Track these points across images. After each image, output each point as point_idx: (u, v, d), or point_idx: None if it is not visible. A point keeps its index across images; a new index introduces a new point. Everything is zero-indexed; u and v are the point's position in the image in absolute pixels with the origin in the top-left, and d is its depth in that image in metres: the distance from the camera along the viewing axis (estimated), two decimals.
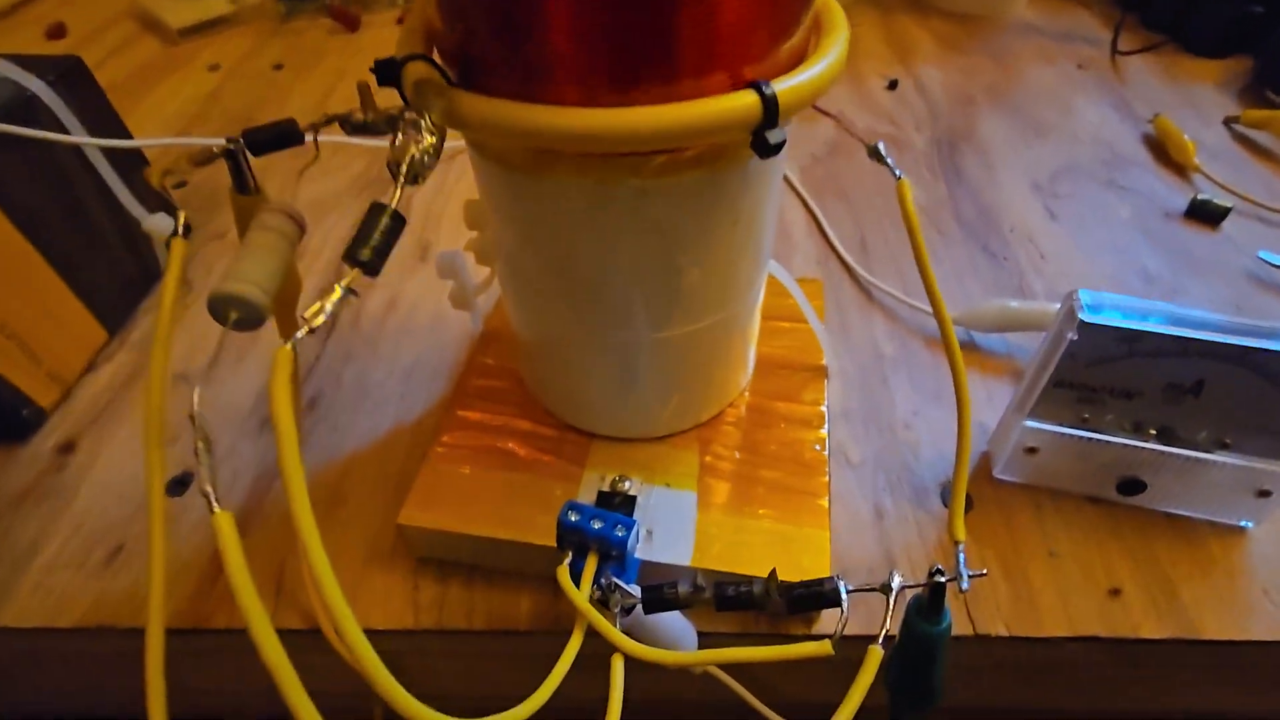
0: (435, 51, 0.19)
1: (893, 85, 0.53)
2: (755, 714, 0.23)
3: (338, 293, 0.14)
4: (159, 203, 0.38)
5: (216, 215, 0.42)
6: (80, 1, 0.66)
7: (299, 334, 0.14)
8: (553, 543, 0.22)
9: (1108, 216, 0.41)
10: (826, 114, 0.23)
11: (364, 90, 0.18)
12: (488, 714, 0.28)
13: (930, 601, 0.18)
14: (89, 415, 0.32)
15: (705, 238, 0.20)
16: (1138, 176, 0.44)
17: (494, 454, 0.27)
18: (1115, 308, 0.24)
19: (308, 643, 0.25)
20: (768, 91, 0.16)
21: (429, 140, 0.16)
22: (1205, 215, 0.40)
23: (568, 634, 0.20)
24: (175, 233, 0.19)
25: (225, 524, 0.14)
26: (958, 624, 0.24)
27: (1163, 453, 0.25)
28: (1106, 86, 0.53)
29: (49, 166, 0.32)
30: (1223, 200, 0.40)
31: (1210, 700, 0.27)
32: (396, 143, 0.16)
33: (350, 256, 0.15)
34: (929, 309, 0.34)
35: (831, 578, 0.18)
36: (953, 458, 0.29)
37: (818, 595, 0.18)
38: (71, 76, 0.33)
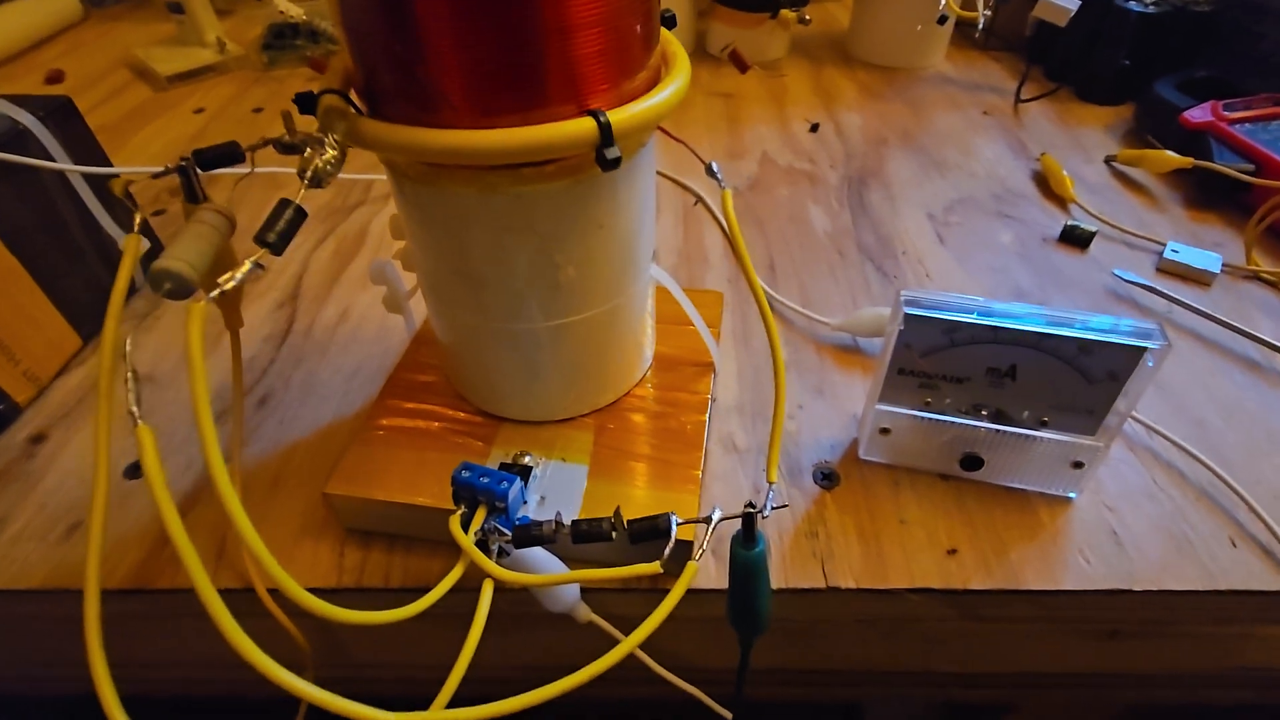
0: (351, 89, 0.24)
1: (814, 128, 0.59)
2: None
3: (247, 266, 0.18)
4: (122, 196, 0.42)
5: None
6: (79, 52, 0.72)
7: (212, 294, 0.18)
8: (446, 505, 0.25)
9: (991, 241, 0.46)
10: (673, 138, 0.28)
11: (287, 116, 0.23)
12: (405, 666, 0.31)
13: (744, 530, 0.21)
14: (60, 411, 0.35)
15: (574, 238, 0.25)
16: (1023, 207, 0.49)
17: (415, 435, 0.30)
18: (936, 305, 0.28)
19: (243, 606, 0.28)
20: (602, 119, 0.21)
21: (331, 154, 0.20)
22: (1074, 239, 0.45)
23: (474, 591, 0.23)
24: (134, 228, 0.23)
25: (146, 437, 0.17)
26: (814, 580, 0.28)
27: (994, 430, 0.29)
28: (1006, 130, 0.59)
29: (37, 192, 0.36)
30: (1089, 226, 0.45)
31: (1053, 655, 0.30)
32: (305, 154, 0.20)
33: (259, 238, 0.19)
34: (823, 318, 0.39)
35: (665, 514, 0.22)
36: (828, 443, 0.33)
37: (652, 527, 0.21)
38: (61, 113, 0.38)
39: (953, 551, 0.29)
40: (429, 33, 0.20)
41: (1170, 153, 0.49)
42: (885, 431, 0.31)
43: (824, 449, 0.33)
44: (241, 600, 0.28)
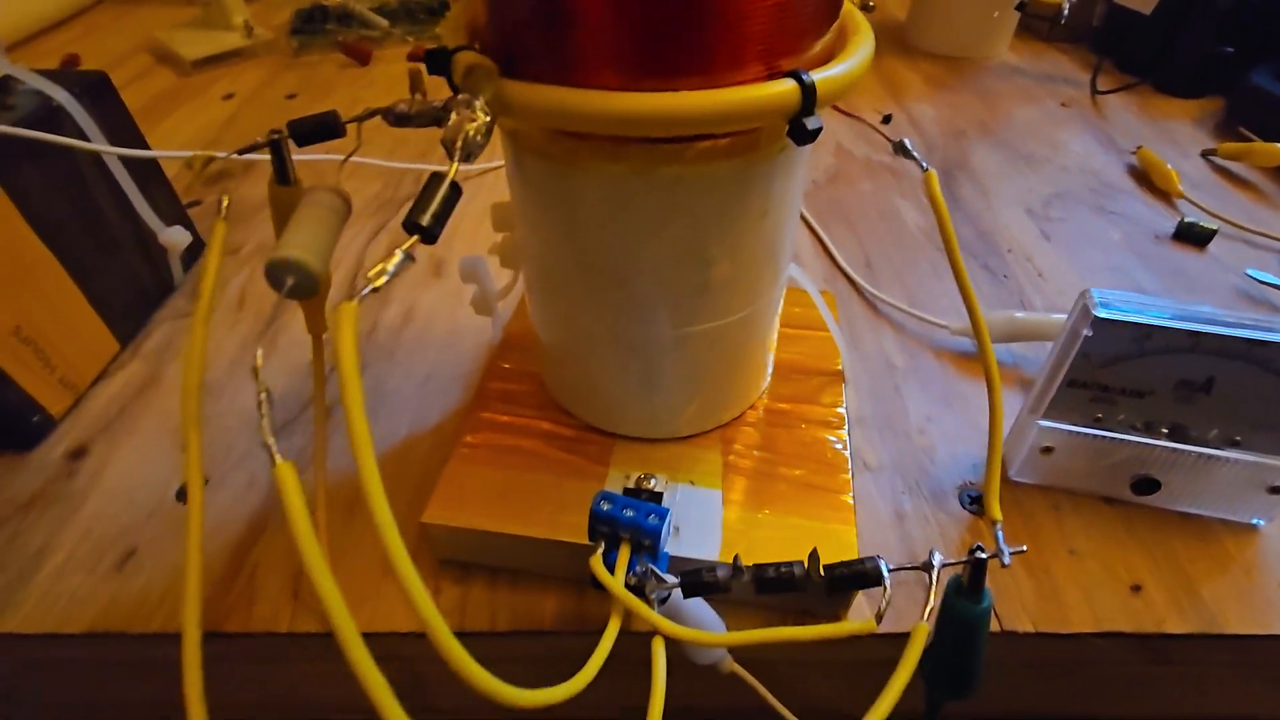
0: (478, 46, 0.20)
1: (887, 119, 0.55)
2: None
3: (398, 256, 0.15)
4: (175, 216, 0.38)
5: (229, 231, 0.42)
6: (95, 35, 0.68)
7: (364, 291, 0.14)
8: (578, 539, 0.22)
9: (1100, 238, 0.43)
10: (846, 113, 0.24)
11: (415, 75, 0.19)
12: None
13: (970, 580, 0.18)
14: (100, 423, 0.31)
15: (736, 228, 0.21)
16: (1125, 203, 0.46)
17: (517, 454, 0.27)
18: (1127, 304, 0.25)
19: (323, 649, 0.24)
20: (807, 80, 0.17)
21: (482, 119, 0.16)
22: (1192, 238, 0.42)
23: (596, 634, 0.20)
24: (220, 215, 0.19)
25: (287, 474, 0.14)
26: None
27: (1175, 450, 0.26)
28: (1089, 122, 0.55)
29: (71, 176, 0.32)
30: (1208, 223, 0.42)
31: (1238, 702, 0.27)
32: (451, 122, 0.16)
33: (410, 222, 0.15)
34: (935, 319, 0.36)
35: (872, 557, 0.18)
36: (968, 461, 0.29)
37: (860, 574, 0.18)
38: (97, 90, 0.34)
39: (1137, 588, 0.25)
40: None
41: None
42: (1047, 450, 0.27)
43: (965, 468, 0.29)
44: (315, 643, 0.24)
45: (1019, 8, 0.58)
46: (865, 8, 0.63)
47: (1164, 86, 0.60)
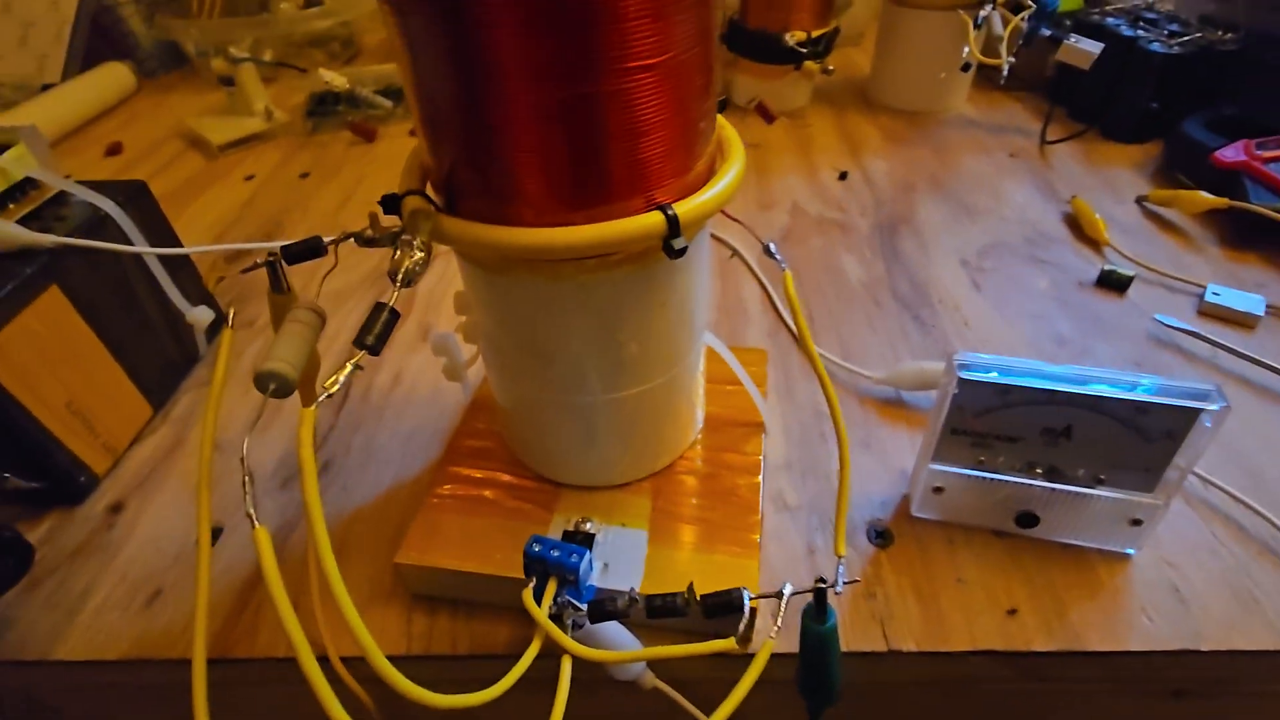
0: (429, 183, 0.25)
1: (843, 176, 0.60)
2: None
3: (348, 368, 0.20)
4: (200, 296, 0.44)
5: (246, 306, 0.48)
6: (136, 124, 0.76)
7: (320, 398, 0.19)
8: (518, 574, 0.26)
9: (1027, 287, 0.46)
10: (732, 218, 0.29)
11: (373, 217, 0.24)
12: None
13: (816, 605, 0.22)
14: (135, 480, 0.37)
15: (638, 318, 0.26)
16: (1056, 251, 0.50)
17: (479, 503, 0.31)
18: (990, 366, 0.29)
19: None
20: (670, 212, 0.22)
21: (418, 255, 0.21)
22: (1112, 284, 0.46)
23: (540, 657, 0.24)
24: (227, 325, 0.24)
25: (263, 537, 0.18)
26: (874, 643, 0.28)
27: (1049, 489, 0.30)
28: (1034, 172, 0.59)
29: (115, 271, 0.38)
30: (1126, 270, 0.46)
31: (1111, 715, 0.30)
32: (395, 256, 0.21)
33: (359, 341, 0.20)
34: (862, 370, 0.40)
35: (738, 589, 0.22)
36: (878, 499, 0.33)
37: (726, 602, 0.22)
38: (137, 197, 0.40)
39: (1013, 612, 0.29)
40: (506, 142, 0.21)
41: (1204, 193, 0.50)
42: (939, 490, 0.31)
43: (875, 506, 0.33)
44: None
45: (964, 68, 0.62)
46: (826, 71, 0.69)
47: (1109, 134, 0.64)
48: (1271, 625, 0.28)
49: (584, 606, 0.24)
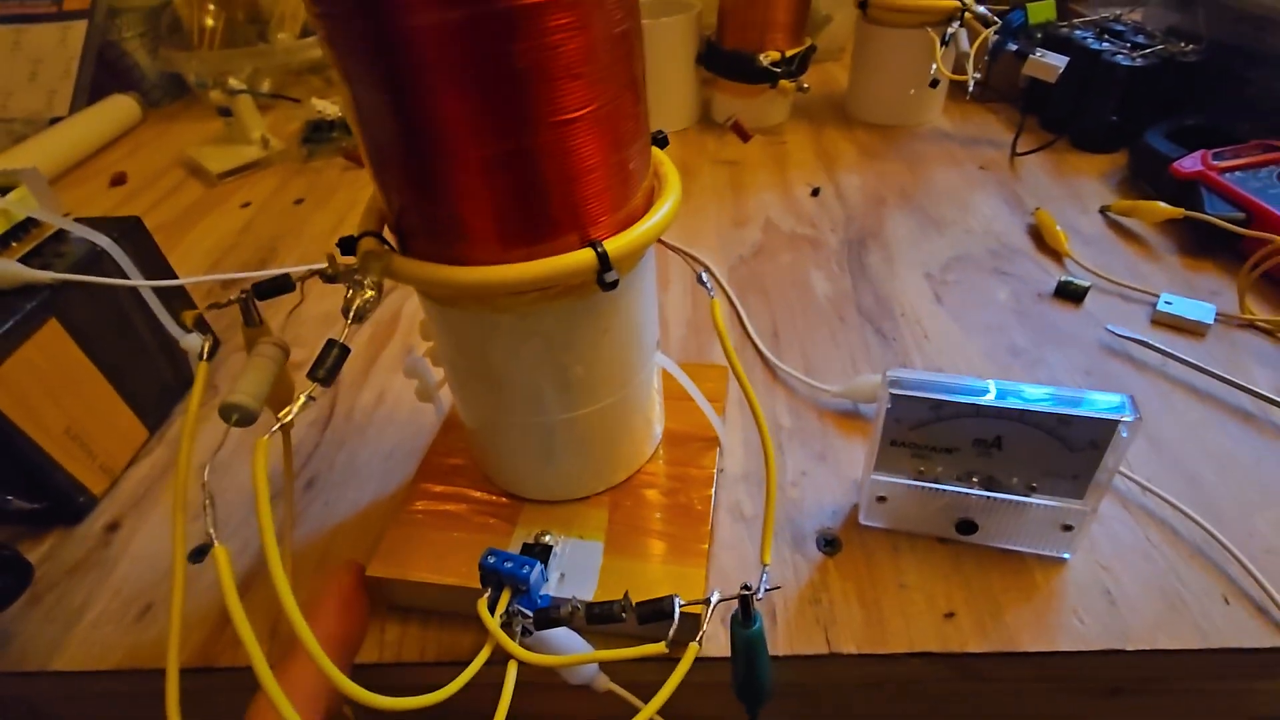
0: (384, 225, 0.27)
1: (815, 192, 0.62)
2: None
3: (301, 400, 0.22)
4: (193, 324, 0.47)
5: (237, 333, 0.50)
6: (140, 153, 0.79)
7: (274, 429, 0.21)
8: (477, 584, 0.28)
9: (988, 299, 0.48)
10: (670, 247, 0.31)
11: (331, 257, 0.26)
12: None
13: (741, 611, 0.23)
14: (131, 500, 0.39)
15: (582, 344, 0.28)
16: (1019, 263, 0.51)
17: (447, 518, 0.33)
18: (919, 384, 0.30)
19: None
20: (599, 250, 0.24)
21: (369, 294, 0.23)
22: (1069, 295, 0.47)
23: (500, 663, 0.26)
24: (201, 356, 0.26)
25: (222, 555, 0.20)
26: (817, 646, 0.30)
27: (985, 497, 0.31)
28: (1003, 184, 0.61)
29: (112, 303, 0.41)
30: (1083, 280, 0.47)
31: (1049, 711, 0.31)
32: (347, 295, 0.23)
33: (311, 374, 0.22)
34: (823, 385, 0.41)
35: (669, 596, 0.24)
36: (830, 509, 0.35)
37: (657, 610, 0.24)
38: (131, 233, 0.43)
39: (950, 615, 0.30)
40: (449, 191, 0.23)
41: (1162, 204, 0.51)
42: (882, 499, 0.33)
43: (826, 515, 0.35)
44: None
45: (933, 84, 0.64)
46: (801, 89, 0.71)
47: (1079, 144, 0.65)
48: (1197, 626, 0.29)
49: (529, 614, 0.25)
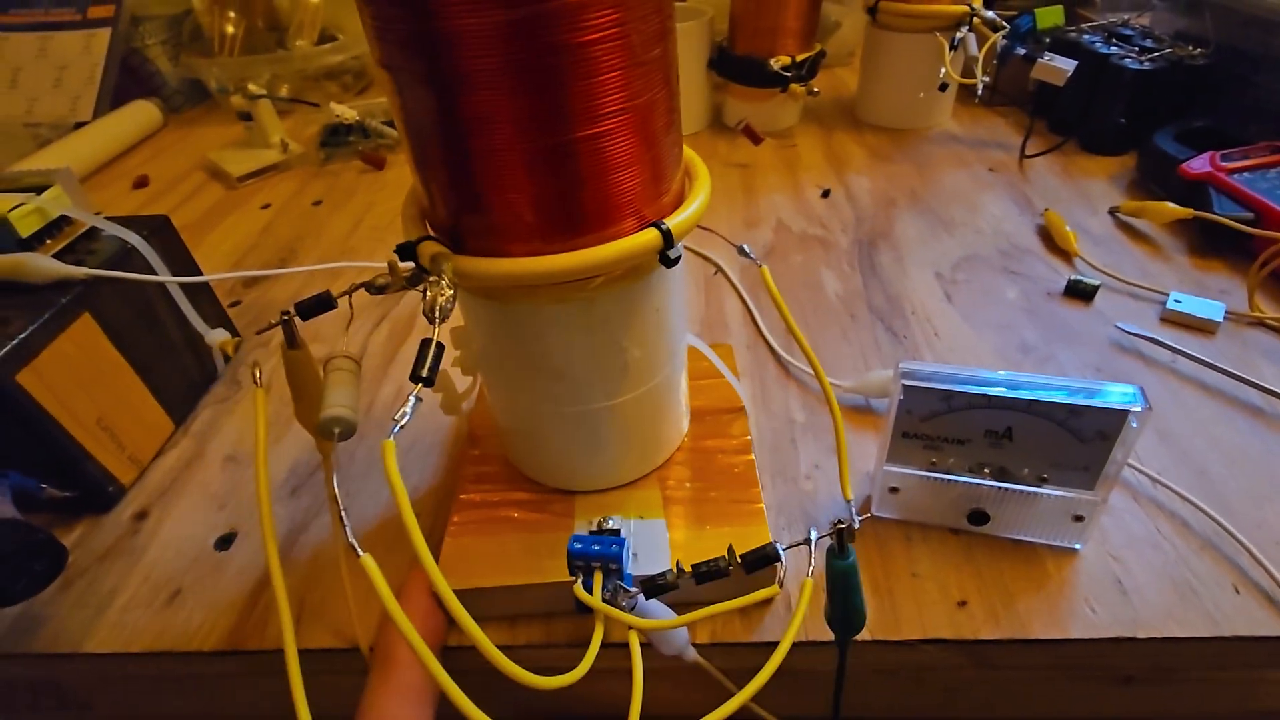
0: (428, 225, 0.28)
1: (825, 194, 0.63)
2: None
3: (411, 401, 0.22)
4: (218, 318, 0.48)
5: (258, 327, 0.52)
6: (161, 157, 0.81)
7: (394, 430, 0.21)
8: (559, 578, 0.28)
9: (998, 298, 0.48)
10: (706, 229, 0.32)
11: (392, 265, 0.27)
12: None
13: (839, 543, 0.25)
14: (158, 490, 0.40)
15: (638, 324, 0.28)
16: (1029, 263, 0.52)
17: (497, 523, 0.33)
18: (931, 375, 0.31)
19: (329, 664, 0.31)
20: (664, 227, 0.25)
21: (448, 292, 0.24)
22: (1079, 293, 0.47)
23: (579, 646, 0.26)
24: (256, 384, 0.27)
25: (370, 564, 0.21)
26: (831, 634, 0.30)
27: (996, 488, 0.32)
28: (1012, 185, 0.61)
29: (140, 297, 0.42)
30: (1092, 279, 0.47)
31: (1062, 698, 0.32)
32: (426, 296, 0.24)
33: (414, 375, 0.22)
34: (836, 381, 0.42)
35: (771, 543, 0.25)
36: (842, 501, 0.35)
37: (763, 556, 0.25)
38: (160, 230, 0.44)
39: (963, 603, 0.31)
40: (517, 184, 0.24)
41: (1171, 204, 0.52)
42: (894, 490, 0.33)
43: (841, 506, 0.35)
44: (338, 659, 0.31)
45: (942, 88, 0.64)
46: (811, 93, 0.72)
47: (1087, 146, 0.66)
48: (1208, 615, 0.29)
49: (634, 588, 0.26)
